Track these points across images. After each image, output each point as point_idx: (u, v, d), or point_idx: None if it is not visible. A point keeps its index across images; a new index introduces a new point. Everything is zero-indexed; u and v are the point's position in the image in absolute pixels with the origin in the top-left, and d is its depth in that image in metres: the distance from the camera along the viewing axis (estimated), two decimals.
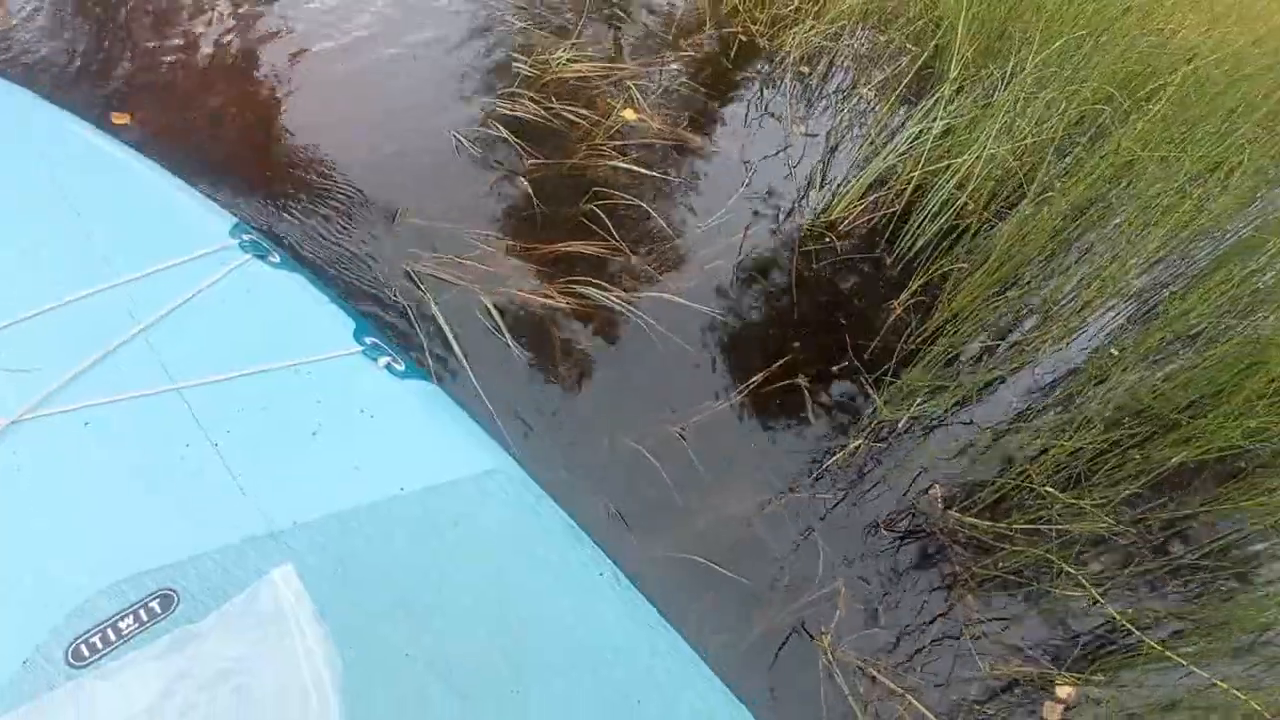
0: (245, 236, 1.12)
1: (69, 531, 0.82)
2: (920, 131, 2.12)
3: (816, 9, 2.78)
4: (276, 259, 1.11)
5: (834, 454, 1.69)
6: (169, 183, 1.19)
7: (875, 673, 1.40)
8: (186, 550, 0.80)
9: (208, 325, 1.01)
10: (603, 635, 0.91)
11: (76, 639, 0.73)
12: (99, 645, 0.72)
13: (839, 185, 2.28)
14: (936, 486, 1.69)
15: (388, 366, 1.03)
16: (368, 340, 1.05)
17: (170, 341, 0.97)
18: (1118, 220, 2.08)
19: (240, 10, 2.45)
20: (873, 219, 2.20)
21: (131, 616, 0.74)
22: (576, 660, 0.87)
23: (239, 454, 0.90)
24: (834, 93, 2.69)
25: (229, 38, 2.34)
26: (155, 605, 0.75)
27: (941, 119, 2.09)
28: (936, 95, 2.14)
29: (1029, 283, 2.06)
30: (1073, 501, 1.59)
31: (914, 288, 1.99)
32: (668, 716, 0.87)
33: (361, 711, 0.75)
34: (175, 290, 1.01)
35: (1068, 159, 2.15)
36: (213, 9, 2.43)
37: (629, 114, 2.32)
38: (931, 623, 1.50)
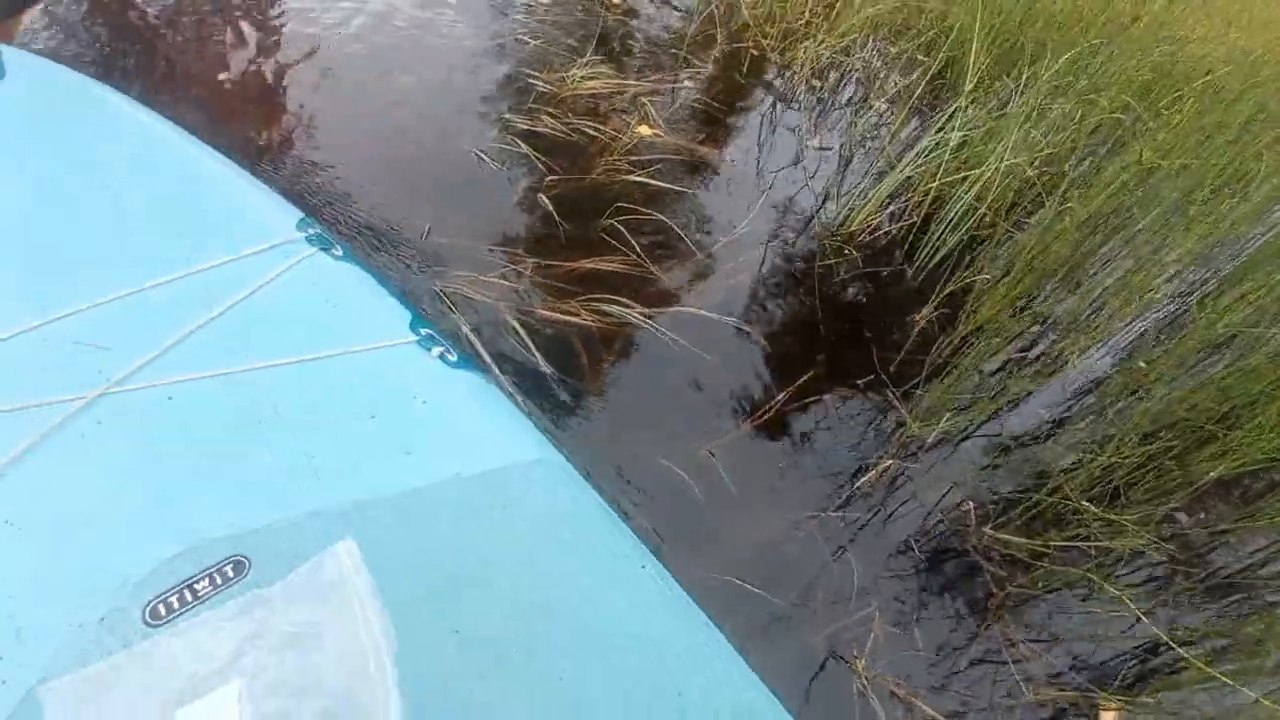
0: (311, 230, 1.25)
1: (149, 498, 0.91)
2: (936, 143, 2.21)
3: (827, 24, 2.93)
4: (339, 252, 1.25)
5: (864, 472, 1.73)
6: (241, 176, 1.33)
7: (913, 698, 1.42)
8: (257, 520, 0.89)
9: (278, 313, 1.13)
10: (645, 625, 0.97)
11: (154, 598, 0.81)
12: (175, 605, 0.81)
13: (856, 197, 2.38)
14: (969, 503, 1.72)
15: (441, 356, 1.13)
16: (423, 331, 1.16)
17: (244, 327, 1.10)
18: (1140, 229, 2.17)
19: (254, 30, 2.58)
20: (892, 231, 2.30)
21: (206, 579, 0.83)
22: (618, 647, 0.93)
23: (305, 433, 1.00)
24: (846, 105, 2.82)
25: (245, 58, 2.47)
26: (229, 570, 0.84)
27: (958, 130, 2.18)
28: (953, 107, 2.24)
29: (1053, 293, 2.13)
30: (1112, 517, 1.64)
31: (937, 300, 2.07)
32: (707, 709, 0.91)
33: (416, 680, 0.82)
34: (248, 279, 1.15)
35: (1085, 166, 2.26)
36: (225, 27, 2.56)
37: (644, 130, 2.44)
38: (969, 644, 1.53)
